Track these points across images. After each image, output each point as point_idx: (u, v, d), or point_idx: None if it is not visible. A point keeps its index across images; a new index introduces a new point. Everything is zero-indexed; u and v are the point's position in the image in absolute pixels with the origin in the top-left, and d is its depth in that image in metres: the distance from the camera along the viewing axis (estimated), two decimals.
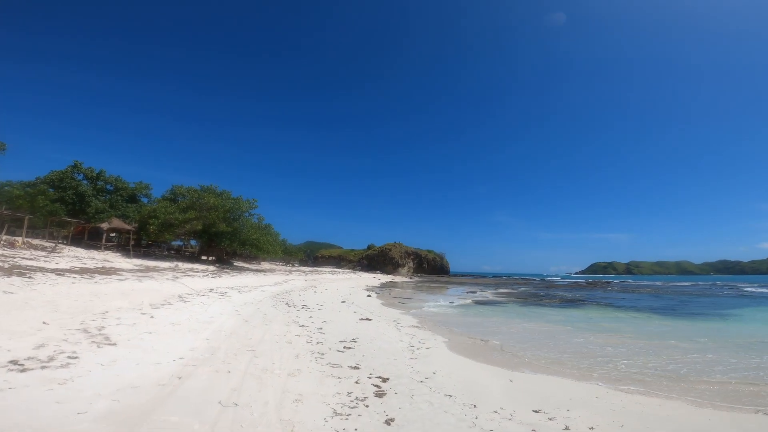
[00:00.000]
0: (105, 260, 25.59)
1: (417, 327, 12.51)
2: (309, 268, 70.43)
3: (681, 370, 8.23)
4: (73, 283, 13.21)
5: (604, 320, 16.92)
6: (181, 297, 13.22)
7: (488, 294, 34.38)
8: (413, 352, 8.50)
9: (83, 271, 17.06)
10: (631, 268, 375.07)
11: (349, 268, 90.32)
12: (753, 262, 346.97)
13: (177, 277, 19.85)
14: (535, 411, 5.31)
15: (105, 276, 16.24)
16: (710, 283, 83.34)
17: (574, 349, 10.08)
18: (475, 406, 5.28)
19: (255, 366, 6.24)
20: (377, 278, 65.06)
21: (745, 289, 49.20)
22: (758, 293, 41.47)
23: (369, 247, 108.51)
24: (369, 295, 26.35)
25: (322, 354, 7.53)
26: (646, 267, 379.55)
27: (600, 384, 7.01)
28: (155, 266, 26.50)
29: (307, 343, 8.45)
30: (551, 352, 9.69)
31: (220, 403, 4.64)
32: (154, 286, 15.13)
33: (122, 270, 20.13)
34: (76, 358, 5.66)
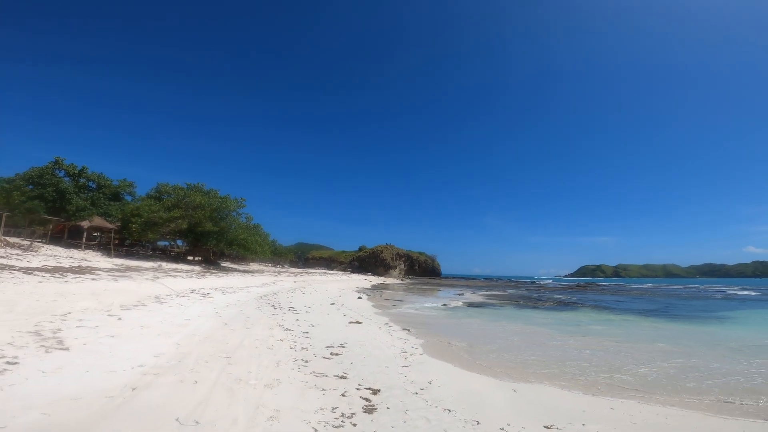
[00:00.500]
0: (83, 259, 24.45)
1: (410, 331, 11.82)
2: (299, 270, 69.33)
3: (677, 376, 7.67)
4: (40, 282, 12.27)
5: (599, 324, 16.43)
6: (157, 298, 12.35)
7: (480, 296, 33.84)
8: (406, 358, 7.80)
9: (56, 270, 16.06)
10: (619, 271, 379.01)
11: (340, 270, 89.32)
12: (738, 265, 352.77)
13: (158, 278, 18.88)
14: (547, 427, 4.66)
15: (78, 275, 15.27)
16: (698, 286, 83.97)
17: (579, 356, 9.48)
18: (478, 423, 4.60)
19: (227, 375, 5.48)
20: (368, 280, 64.25)
21: (734, 293, 49.48)
22: (746, 296, 41.69)
23: (360, 249, 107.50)
24: (359, 297, 25.59)
25: (307, 361, 6.79)
26: (633, 270, 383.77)
27: (599, 394, 6.39)
28: (137, 266, 25.44)
29: (291, 348, 7.70)
30: (554, 358, 9.06)
31: (177, 420, 3.89)
32: (131, 286, 14.21)
33: (99, 269, 19.11)
34: (15, 363, 4.87)
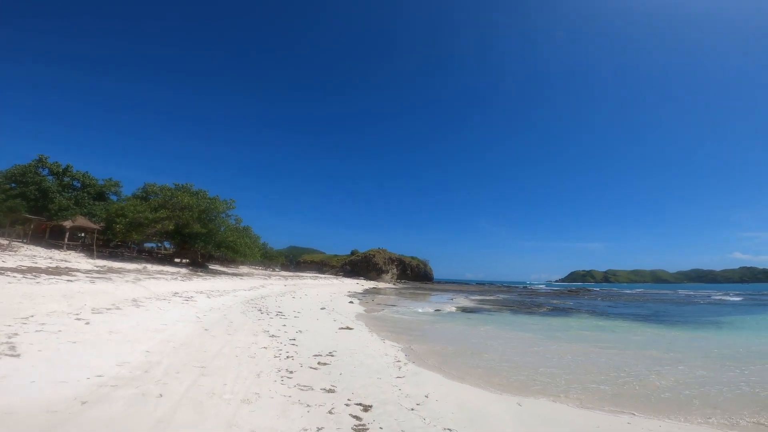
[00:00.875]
0: (63, 260, 23.49)
1: (403, 338, 11.23)
2: (290, 273, 68.37)
3: (669, 385, 7.16)
4: (9, 282, 11.46)
5: (601, 331, 15.96)
6: (135, 301, 11.60)
7: (474, 301, 33.36)
8: (400, 368, 7.20)
9: (30, 271, 15.19)
10: (608, 277, 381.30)
11: (331, 274, 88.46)
12: (725, 271, 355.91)
13: (139, 280, 18.06)
14: None
15: (53, 276, 14.43)
16: (690, 291, 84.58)
17: (593, 367, 8.95)
18: None
19: (199, 388, 4.85)
20: (360, 284, 63.51)
21: (722, 298, 49.61)
22: (738, 301, 41.82)
23: (352, 253, 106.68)
24: (351, 302, 24.93)
25: (291, 372, 6.16)
26: (622, 275, 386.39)
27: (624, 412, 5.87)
28: (120, 268, 24.54)
29: (275, 357, 7.06)
30: (562, 369, 8.49)
31: None
32: (108, 288, 13.42)
33: (78, 270, 18.23)
34: None
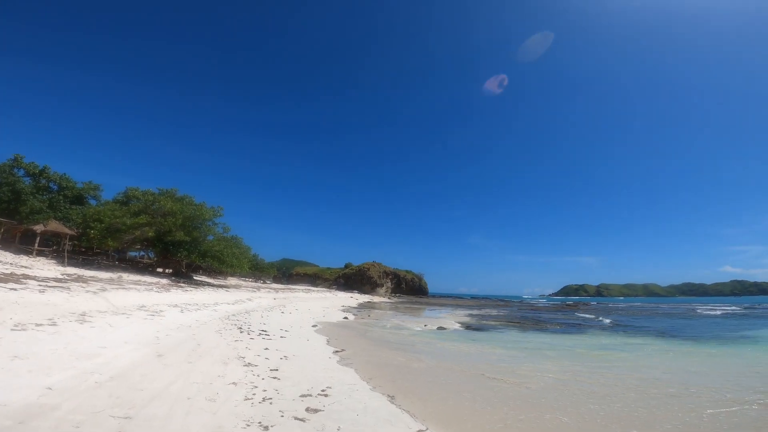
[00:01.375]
0: (26, 267, 21.10)
1: (411, 365, 9.17)
2: (282, 286, 65.76)
3: None
4: None
5: (651, 353, 13.93)
6: (83, 315, 9.44)
7: (475, 317, 31.25)
8: (416, 417, 5.17)
9: None
10: (601, 291, 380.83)
11: (325, 287, 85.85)
12: (716, 284, 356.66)
13: (104, 290, 15.82)
14: None
15: None
16: (688, 304, 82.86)
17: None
18: None
19: None
20: (354, 298, 61.09)
21: (728, 310, 47.70)
22: (744, 314, 40.28)
23: (346, 266, 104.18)
24: (346, 317, 22.76)
25: (266, 428, 4.11)
26: (615, 289, 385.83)
27: None
28: (92, 277, 22.23)
29: (246, 400, 4.98)
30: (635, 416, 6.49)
31: None
32: (57, 299, 11.22)
33: (34, 278, 15.94)
34: None
